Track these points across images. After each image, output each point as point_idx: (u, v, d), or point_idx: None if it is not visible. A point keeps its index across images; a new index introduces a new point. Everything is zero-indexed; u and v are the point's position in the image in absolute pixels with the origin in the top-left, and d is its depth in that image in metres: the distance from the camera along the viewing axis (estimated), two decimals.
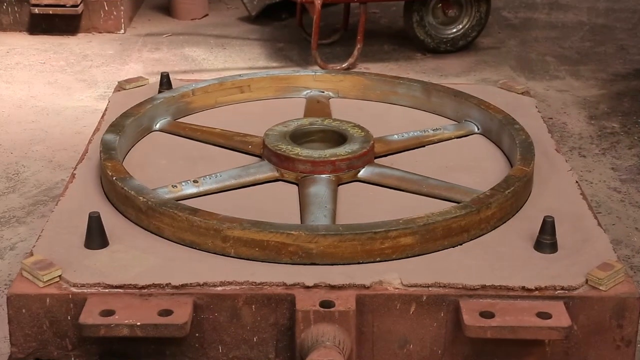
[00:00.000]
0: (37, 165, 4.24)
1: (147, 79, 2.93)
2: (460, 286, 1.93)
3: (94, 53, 5.74)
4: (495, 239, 2.11)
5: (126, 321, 1.83)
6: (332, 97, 2.82)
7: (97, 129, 2.61)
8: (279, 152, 2.32)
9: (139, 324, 1.83)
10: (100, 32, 6.07)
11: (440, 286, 1.93)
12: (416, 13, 5.65)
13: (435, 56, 5.76)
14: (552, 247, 2.05)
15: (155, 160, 2.45)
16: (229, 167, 2.35)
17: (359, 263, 2.00)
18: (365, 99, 2.83)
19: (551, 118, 4.85)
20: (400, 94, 2.80)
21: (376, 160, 2.40)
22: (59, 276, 1.93)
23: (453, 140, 2.58)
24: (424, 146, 2.54)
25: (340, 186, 2.30)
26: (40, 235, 2.09)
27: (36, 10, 5.83)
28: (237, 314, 1.92)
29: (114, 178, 2.19)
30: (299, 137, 2.43)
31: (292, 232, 1.99)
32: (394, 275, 1.95)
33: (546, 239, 2.05)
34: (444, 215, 2.06)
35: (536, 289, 1.92)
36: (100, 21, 6.06)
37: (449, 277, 1.94)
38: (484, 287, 1.93)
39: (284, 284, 1.93)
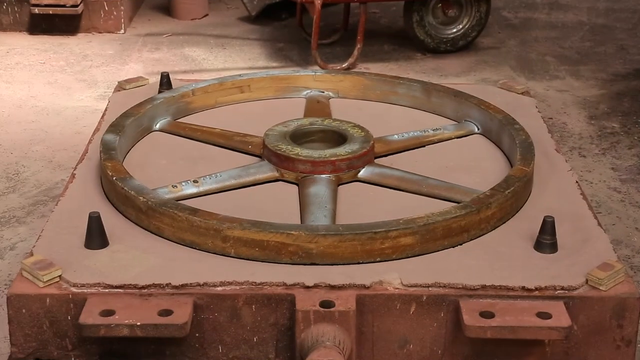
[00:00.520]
0: (37, 165, 4.24)
1: (147, 79, 2.93)
2: (460, 286, 1.93)
3: (94, 53, 5.74)
4: (495, 239, 2.11)
5: (126, 321, 1.83)
6: (332, 97, 2.82)
7: (97, 129, 2.61)
8: (279, 152, 2.32)
9: (139, 324, 1.83)
10: (100, 32, 6.07)
11: (440, 286, 1.93)
12: (416, 13, 5.65)
13: (435, 56, 5.76)
14: (552, 247, 2.05)
15: (155, 160, 2.45)
16: (229, 167, 2.35)
17: (359, 263, 2.00)
18: (365, 99, 2.83)
19: (551, 118, 4.85)
20: (400, 94, 2.80)
21: (376, 160, 2.40)
22: (59, 276, 1.93)
23: (453, 140, 2.58)
24: (424, 146, 2.54)
25: (340, 186, 2.30)
26: (40, 235, 2.09)
27: (36, 10, 5.83)
28: (237, 314, 1.92)
29: (114, 178, 2.19)
30: (299, 137, 2.43)
31: (292, 232, 1.99)
32: (394, 275, 1.95)
33: (546, 239, 2.05)
34: (444, 215, 2.06)
35: (536, 289, 1.92)
36: (100, 21, 6.06)
37: (449, 277, 1.94)
38: (484, 287, 1.93)
39: (284, 284, 1.93)
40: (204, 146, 2.52)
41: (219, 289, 1.92)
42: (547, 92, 5.25)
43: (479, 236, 2.11)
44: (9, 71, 5.41)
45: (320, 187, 2.24)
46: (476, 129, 2.63)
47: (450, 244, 2.07)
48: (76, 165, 2.42)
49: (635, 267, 3.50)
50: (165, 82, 2.77)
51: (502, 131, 2.52)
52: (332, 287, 1.92)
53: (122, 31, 6.09)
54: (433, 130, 2.59)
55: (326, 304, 1.88)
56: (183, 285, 1.92)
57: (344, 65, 5.36)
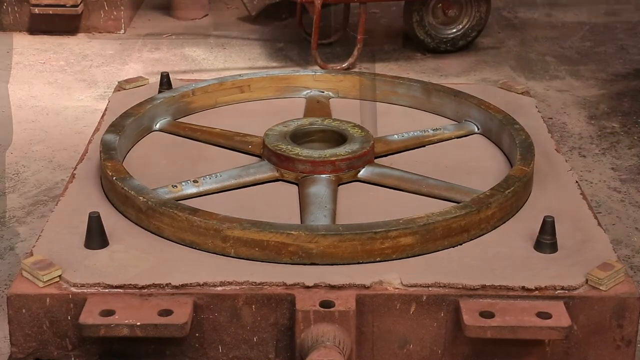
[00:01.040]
0: (37, 165, 4.24)
1: (147, 79, 2.93)
2: (460, 286, 1.93)
3: (94, 53, 5.74)
4: (495, 239, 2.11)
5: (126, 321, 1.83)
6: (332, 97, 2.82)
7: (97, 129, 2.61)
8: (279, 152, 2.32)
9: (139, 324, 1.83)
10: (100, 32, 6.07)
11: (440, 286, 1.93)
12: (416, 13, 5.65)
13: (435, 56, 5.76)
14: (552, 247, 2.05)
15: (155, 160, 2.45)
16: (229, 167, 2.35)
17: (359, 263, 2.00)
18: (365, 99, 2.83)
19: (551, 118, 4.85)
20: (400, 94, 2.80)
21: (376, 160, 2.40)
22: (59, 276, 1.93)
23: (453, 140, 2.58)
24: (424, 146, 2.54)
25: (340, 186, 2.30)
26: (40, 235, 2.09)
27: (36, 10, 5.84)
28: (237, 314, 1.92)
29: (114, 178, 2.19)
30: (299, 137, 2.43)
31: (292, 232, 1.99)
32: (394, 275, 1.95)
33: (546, 239, 2.05)
34: (444, 215, 2.06)
35: (536, 289, 1.92)
36: (100, 21, 6.06)
37: (449, 277, 1.94)
38: (484, 287, 1.93)
39: (284, 284, 1.93)
40: (204, 146, 2.52)
41: (219, 289, 1.92)
42: (547, 92, 5.25)
43: (479, 236, 2.11)
44: (9, 71, 5.41)
45: (320, 187, 2.24)
46: (476, 129, 2.63)
47: (450, 244, 2.07)
48: (76, 165, 2.42)
49: (635, 267, 3.51)
50: (165, 82, 2.77)
51: (502, 131, 2.52)
52: (332, 287, 1.92)
53: (122, 31, 6.09)
54: (433, 130, 2.59)
55: (326, 304, 1.88)
56: (183, 285, 1.92)
57: (344, 65, 5.37)
